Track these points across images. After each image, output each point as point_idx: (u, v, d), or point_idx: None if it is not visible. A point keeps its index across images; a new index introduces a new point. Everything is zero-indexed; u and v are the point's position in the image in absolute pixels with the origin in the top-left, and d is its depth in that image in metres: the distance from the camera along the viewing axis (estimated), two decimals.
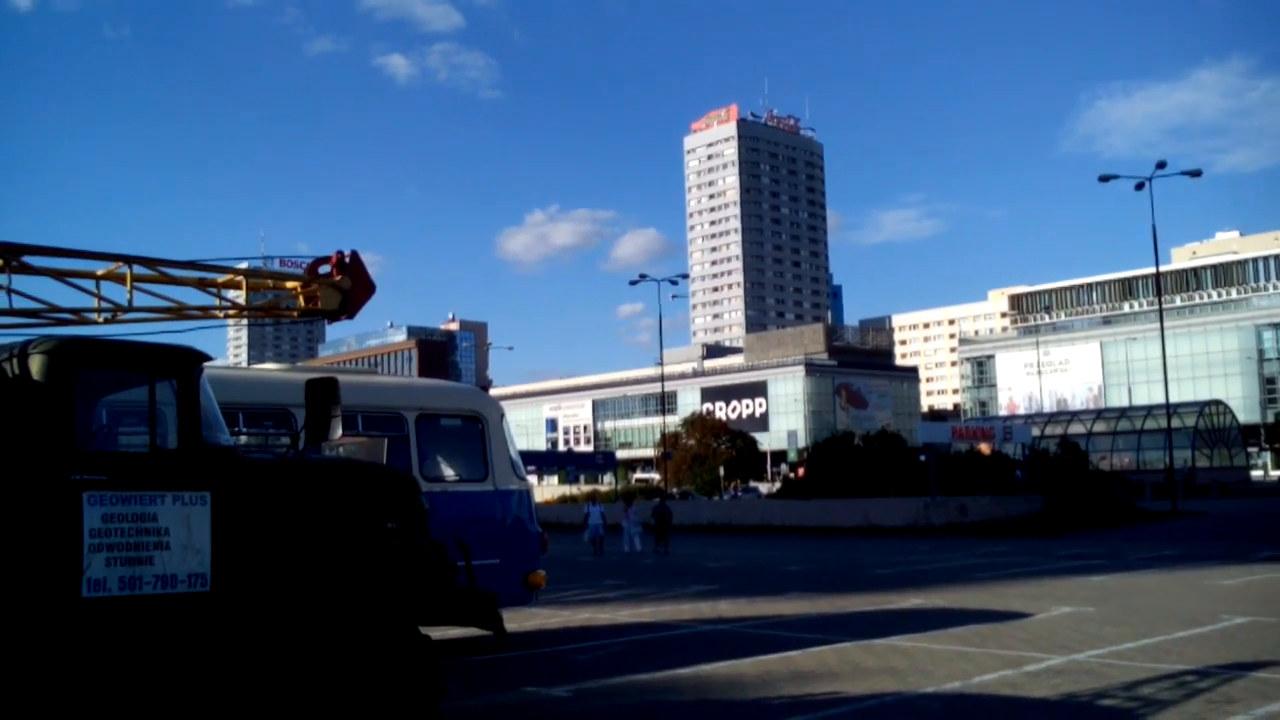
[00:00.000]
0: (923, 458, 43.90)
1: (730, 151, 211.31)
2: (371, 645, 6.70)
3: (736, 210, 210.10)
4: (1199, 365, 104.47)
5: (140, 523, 6.15)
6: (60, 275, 8.55)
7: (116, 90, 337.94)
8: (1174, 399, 58.71)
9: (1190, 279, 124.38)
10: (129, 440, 7.00)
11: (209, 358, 6.79)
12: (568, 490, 79.01)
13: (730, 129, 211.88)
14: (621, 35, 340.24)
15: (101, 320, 8.67)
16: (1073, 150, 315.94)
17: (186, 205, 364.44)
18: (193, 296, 9.35)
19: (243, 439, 10.04)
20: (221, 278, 9.52)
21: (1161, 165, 47.27)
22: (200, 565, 6.33)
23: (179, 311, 9.10)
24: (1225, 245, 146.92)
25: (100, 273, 8.73)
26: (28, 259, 8.22)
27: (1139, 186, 47.69)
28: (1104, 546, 28.98)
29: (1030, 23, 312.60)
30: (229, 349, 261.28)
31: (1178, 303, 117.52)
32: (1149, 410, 76.99)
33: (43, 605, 5.81)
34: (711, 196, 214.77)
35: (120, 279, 8.66)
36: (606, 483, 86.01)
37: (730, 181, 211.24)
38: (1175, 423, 60.97)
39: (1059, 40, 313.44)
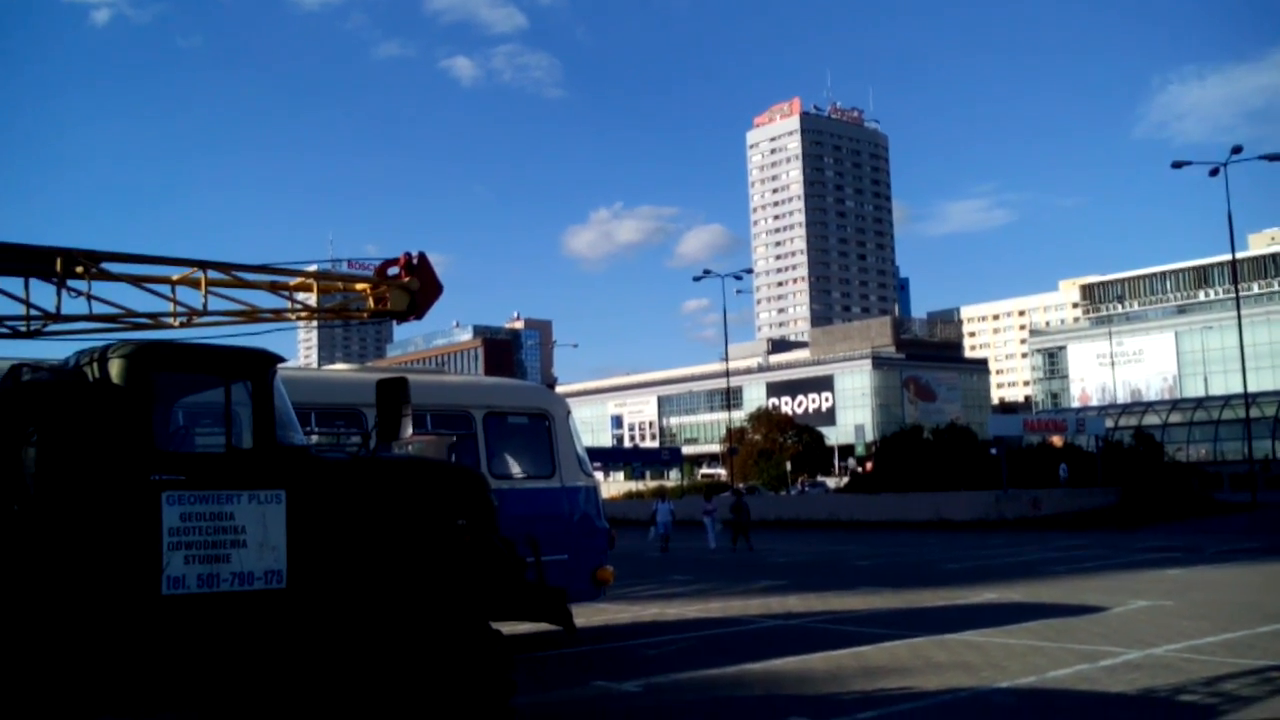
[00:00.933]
0: (994, 451, 43.33)
1: (793, 145, 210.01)
2: (444, 640, 6.78)
3: (800, 204, 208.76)
4: (1278, 354, 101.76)
5: (217, 521, 6.28)
6: (137, 281, 8.74)
7: (188, 98, 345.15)
8: (1252, 389, 57.23)
9: (1268, 265, 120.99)
10: (205, 441, 7.15)
11: (282, 359, 6.91)
12: (634, 487, 79.18)
13: (793, 122, 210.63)
14: (683, 31, 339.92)
15: (177, 324, 8.85)
16: (1145, 136, 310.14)
17: (256, 209, 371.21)
18: (265, 300, 9.51)
19: (315, 438, 10.21)
20: (293, 280, 9.66)
21: (1238, 150, 46.09)
22: (276, 562, 6.45)
23: (252, 315, 9.26)
24: None
25: (175, 278, 8.90)
26: (106, 265, 8.42)
27: (1213, 172, 46.56)
28: (1181, 539, 28.41)
29: (1099, 6, 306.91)
30: (300, 350, 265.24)
31: (1255, 290, 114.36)
32: (1226, 400, 75.16)
33: (124, 602, 5.95)
34: (775, 191, 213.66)
35: (195, 284, 8.83)
36: (673, 479, 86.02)
37: (794, 175, 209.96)
38: (1254, 413, 59.44)
39: (1129, 23, 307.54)
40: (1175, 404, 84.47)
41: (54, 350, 8.19)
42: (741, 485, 67.09)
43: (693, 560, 27.87)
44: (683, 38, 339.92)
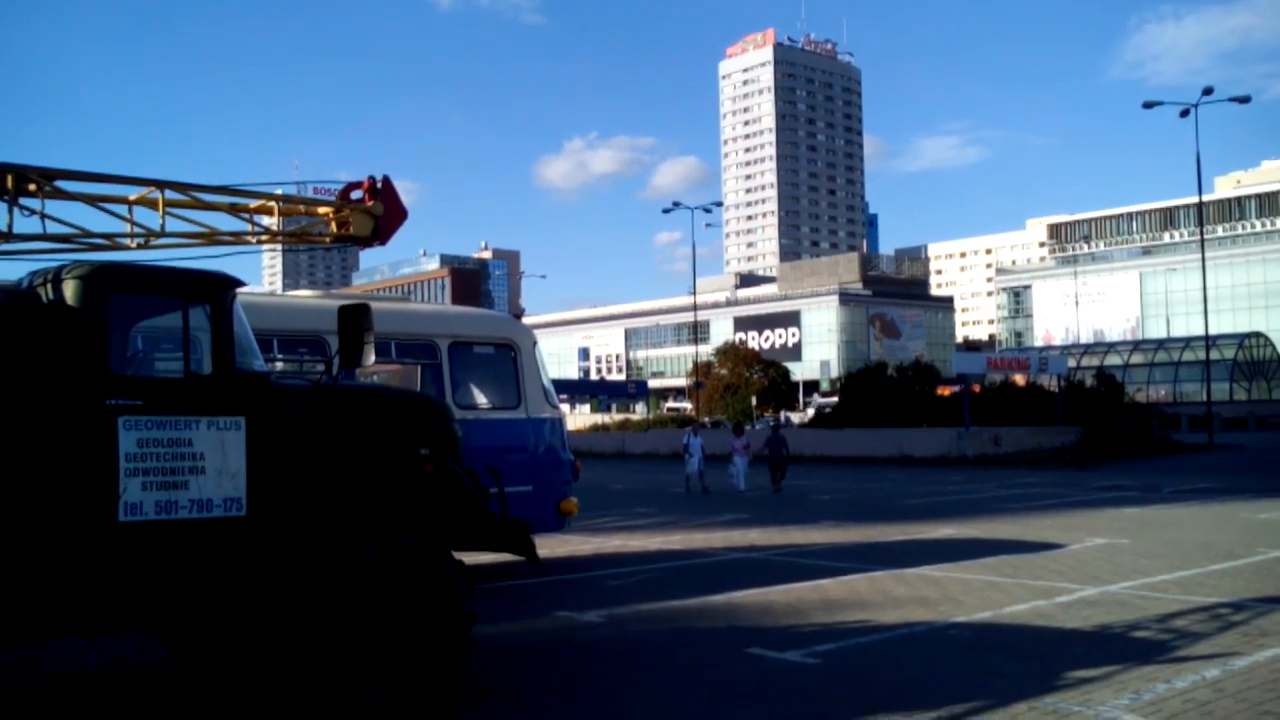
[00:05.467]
0: (957, 388, 43.67)
1: (766, 77, 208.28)
2: (405, 570, 6.75)
3: (772, 137, 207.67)
4: (1240, 297, 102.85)
5: (175, 447, 6.18)
6: (93, 200, 8.53)
7: (158, 14, 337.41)
8: (1214, 331, 57.95)
9: (1234, 208, 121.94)
10: (163, 366, 7.01)
11: (242, 283, 6.77)
12: (599, 419, 79.41)
13: (766, 54, 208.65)
14: None
15: (134, 245, 8.66)
16: (1120, 76, 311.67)
17: (222, 131, 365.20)
18: (225, 222, 9.32)
19: (277, 365, 10.08)
20: (254, 203, 9.47)
21: (1208, 91, 46.20)
22: (235, 490, 6.37)
23: (211, 237, 9.08)
24: (1271, 174, 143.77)
25: (133, 197, 8.69)
26: (60, 183, 8.20)
27: (1184, 113, 46.65)
28: (1138, 479, 28.83)
29: None
30: (264, 276, 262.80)
31: (1220, 233, 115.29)
32: (1187, 342, 76.13)
33: (80, 528, 5.87)
34: (746, 123, 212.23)
35: (152, 204, 8.63)
36: (639, 411, 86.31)
37: (766, 108, 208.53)
38: (1214, 355, 60.24)
39: None
40: (1137, 345, 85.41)
41: (6, 271, 8.02)
42: (706, 420, 67.35)
43: (655, 493, 28.00)
44: None
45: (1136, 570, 12.57)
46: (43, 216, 8.03)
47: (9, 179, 7.75)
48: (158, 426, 6.15)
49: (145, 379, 6.55)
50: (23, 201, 7.89)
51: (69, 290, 6.13)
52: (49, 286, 6.24)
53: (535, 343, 13.75)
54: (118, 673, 8.26)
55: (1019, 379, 49.56)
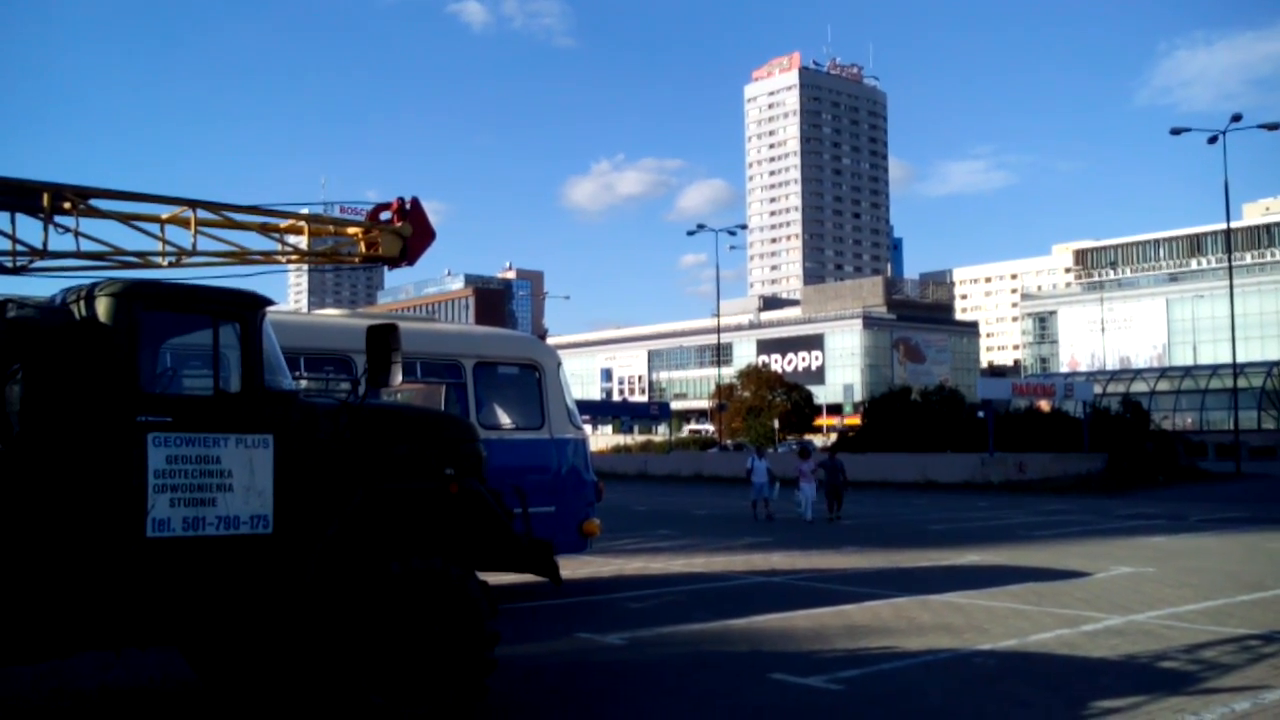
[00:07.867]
0: (981, 414, 43.47)
1: (791, 100, 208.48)
2: (428, 589, 6.76)
3: (797, 160, 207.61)
4: (1268, 324, 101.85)
5: (204, 464, 6.22)
6: (126, 219, 8.63)
7: (188, 38, 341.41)
8: (1241, 359, 57.50)
9: (1262, 235, 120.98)
10: (193, 383, 7.07)
11: (272, 302, 6.82)
12: (622, 440, 79.39)
13: (792, 77, 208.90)
14: None
15: (166, 264, 8.75)
16: (1149, 101, 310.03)
17: (250, 145, 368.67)
18: (255, 241, 9.40)
19: (304, 383, 10.14)
20: (284, 222, 9.55)
21: (1237, 118, 46.05)
22: (262, 507, 6.41)
23: (242, 256, 9.16)
24: None
25: (165, 216, 8.79)
26: (94, 202, 8.30)
27: (1212, 140, 46.52)
28: (1165, 507, 28.58)
29: None
30: (290, 294, 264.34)
31: (1248, 260, 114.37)
32: (1214, 370, 75.54)
33: (109, 543, 5.91)
34: (772, 146, 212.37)
35: (184, 223, 8.72)
36: (660, 433, 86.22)
37: (791, 131, 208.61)
38: (1241, 383, 59.75)
39: None
40: (1163, 372, 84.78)
41: (40, 287, 8.11)
42: (728, 442, 67.14)
43: (677, 515, 27.92)
44: None
45: (1163, 600, 12.45)
46: (77, 234, 8.12)
47: (45, 197, 7.86)
48: (186, 443, 6.19)
49: (175, 396, 6.60)
50: (57, 219, 8.00)
51: (101, 307, 6.19)
52: (82, 303, 6.30)
53: (559, 364, 13.77)
54: (141, 687, 8.29)
55: (1044, 405, 49.33)
